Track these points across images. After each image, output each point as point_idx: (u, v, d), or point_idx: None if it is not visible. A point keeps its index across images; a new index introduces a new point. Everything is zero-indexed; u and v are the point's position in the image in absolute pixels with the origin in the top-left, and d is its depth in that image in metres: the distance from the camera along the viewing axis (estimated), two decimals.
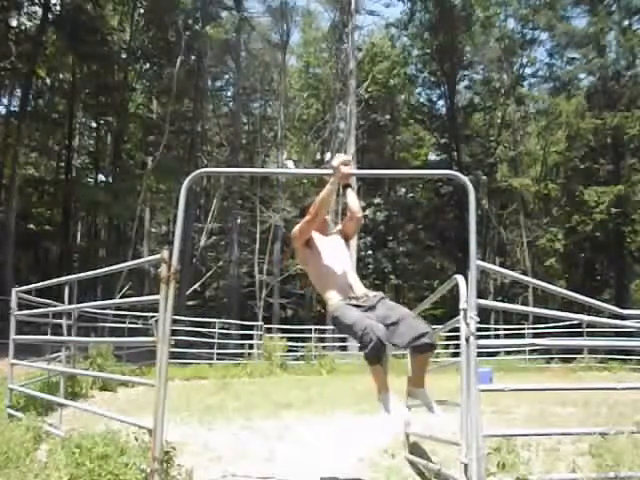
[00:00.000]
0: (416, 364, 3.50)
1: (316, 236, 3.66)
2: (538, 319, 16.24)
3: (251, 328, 16.02)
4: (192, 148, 25.79)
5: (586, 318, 4.09)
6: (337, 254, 3.65)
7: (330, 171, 3.54)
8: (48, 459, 3.49)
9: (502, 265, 25.56)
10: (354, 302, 3.41)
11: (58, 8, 22.67)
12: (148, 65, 27.25)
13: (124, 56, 25.11)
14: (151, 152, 24.94)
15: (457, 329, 3.10)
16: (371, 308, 3.38)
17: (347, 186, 3.75)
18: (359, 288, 3.53)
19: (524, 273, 21.92)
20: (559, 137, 27.47)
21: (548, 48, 28.59)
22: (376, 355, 3.15)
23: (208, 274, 27.84)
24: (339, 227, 3.95)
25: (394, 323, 3.27)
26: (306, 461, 4.39)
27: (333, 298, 3.48)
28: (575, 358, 15.59)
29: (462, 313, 3.04)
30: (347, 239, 3.86)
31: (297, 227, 3.66)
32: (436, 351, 14.02)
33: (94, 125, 28.75)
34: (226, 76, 31.30)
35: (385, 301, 3.46)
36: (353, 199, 3.79)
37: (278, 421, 6.14)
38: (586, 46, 25.35)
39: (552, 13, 25.69)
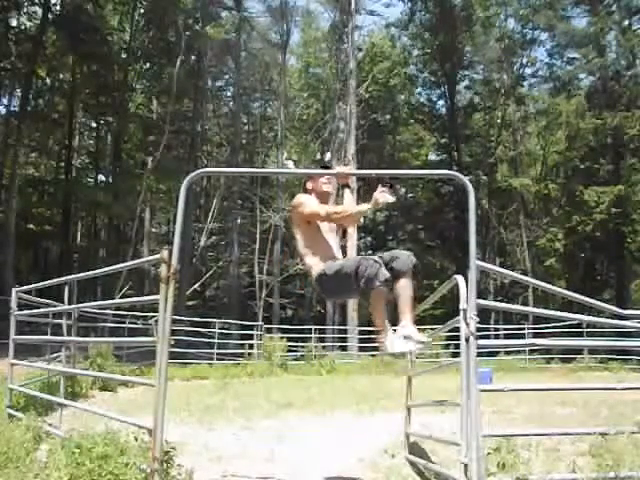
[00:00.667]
0: (400, 291, 3.41)
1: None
2: (538, 319, 16.25)
3: (251, 328, 16.02)
4: (192, 148, 25.80)
5: (586, 318, 4.09)
6: (332, 234, 3.70)
7: (331, 171, 3.54)
8: (48, 459, 3.48)
9: (502, 265, 25.57)
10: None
11: (58, 8, 22.70)
12: (148, 65, 27.26)
13: (124, 56, 25.13)
14: (151, 152, 24.93)
15: (457, 329, 3.10)
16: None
17: (346, 186, 3.75)
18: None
19: (524, 273, 21.92)
20: (559, 137, 27.49)
21: (548, 48, 28.67)
22: (385, 281, 3.21)
23: (208, 274, 27.85)
24: None
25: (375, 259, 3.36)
26: (306, 461, 4.39)
27: (318, 264, 3.53)
28: (575, 358, 15.60)
29: (462, 313, 3.03)
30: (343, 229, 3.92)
31: (305, 207, 3.57)
32: (436, 351, 13.88)
33: (94, 125, 28.79)
34: (226, 76, 31.30)
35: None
36: (350, 201, 3.81)
37: (278, 421, 6.14)
38: (586, 46, 25.36)
39: (552, 13, 25.69)
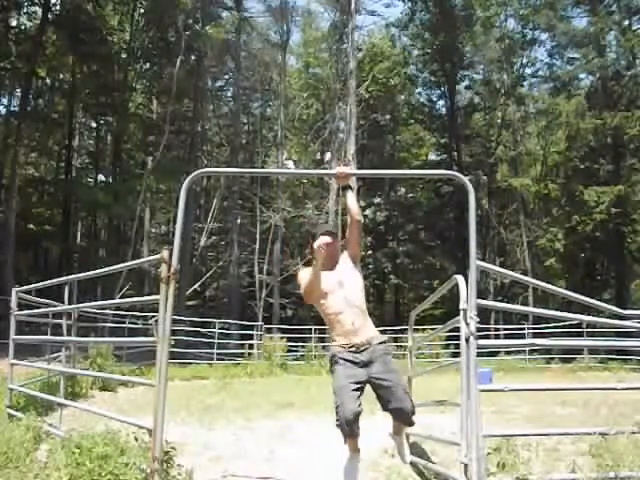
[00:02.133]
0: (395, 425, 3.70)
1: (321, 277, 3.56)
2: (538, 319, 16.25)
3: (251, 328, 16.03)
4: (192, 148, 25.78)
5: (586, 318, 4.09)
6: (344, 289, 3.54)
7: (331, 171, 3.54)
8: (48, 459, 3.49)
9: (502, 265, 25.55)
10: (352, 352, 3.41)
11: (58, 8, 22.67)
12: (148, 65, 27.24)
13: (124, 56, 25.10)
14: (151, 152, 24.93)
15: (457, 329, 3.10)
16: (368, 364, 3.39)
17: (347, 187, 3.72)
18: (364, 332, 3.49)
19: (524, 273, 21.91)
20: (559, 137, 27.48)
21: (548, 48, 28.63)
22: (348, 432, 3.30)
23: (208, 274, 27.84)
24: (344, 247, 3.79)
25: (385, 387, 3.37)
26: (306, 461, 4.39)
27: (335, 341, 3.52)
28: (575, 358, 15.61)
29: (462, 313, 3.03)
30: (354, 258, 3.71)
31: (301, 288, 3.61)
32: (436, 351, 13.86)
33: (94, 125, 28.78)
34: (226, 76, 31.29)
35: (386, 358, 3.47)
36: (352, 201, 3.69)
37: (278, 421, 6.14)
38: (586, 46, 25.35)
39: (552, 13, 25.68)
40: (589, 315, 4.03)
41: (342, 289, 3.53)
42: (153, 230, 32.00)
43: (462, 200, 22.93)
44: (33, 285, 5.89)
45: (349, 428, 3.25)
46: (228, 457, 4.46)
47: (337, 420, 3.28)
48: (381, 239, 30.98)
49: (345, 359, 3.40)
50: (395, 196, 31.68)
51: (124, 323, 15.11)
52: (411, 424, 3.54)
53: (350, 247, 3.73)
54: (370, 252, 30.45)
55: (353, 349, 3.42)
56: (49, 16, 21.52)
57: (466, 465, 2.86)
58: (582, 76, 27.46)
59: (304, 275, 3.59)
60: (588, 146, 25.50)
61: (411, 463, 4.12)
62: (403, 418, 3.47)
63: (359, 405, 3.28)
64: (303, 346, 15.76)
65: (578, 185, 24.73)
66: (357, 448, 3.46)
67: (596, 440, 3.44)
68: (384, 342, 3.58)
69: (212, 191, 30.90)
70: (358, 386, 3.33)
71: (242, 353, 15.18)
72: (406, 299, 32.46)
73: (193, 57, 25.77)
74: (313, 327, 16.98)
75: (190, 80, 25.23)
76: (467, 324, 3.00)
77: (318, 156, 28.31)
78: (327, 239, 3.59)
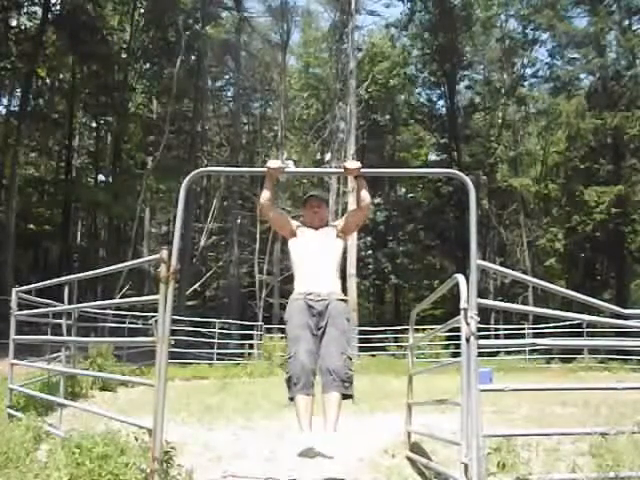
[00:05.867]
0: (324, 396, 3.33)
1: (302, 228, 3.74)
2: (538, 319, 16.26)
3: (251, 328, 16.03)
4: (192, 148, 25.79)
5: (587, 318, 4.08)
6: (319, 243, 3.62)
7: (331, 170, 3.55)
8: (48, 459, 3.48)
9: (502, 265, 25.48)
10: (310, 299, 3.42)
11: (58, 8, 22.68)
12: (148, 65, 27.24)
13: (124, 56, 25.11)
14: (151, 152, 24.94)
15: (457, 329, 3.09)
16: (322, 315, 3.39)
17: (359, 177, 3.66)
18: (326, 285, 3.49)
19: (524, 273, 21.88)
20: (559, 137, 27.45)
21: (549, 48, 28.63)
22: (300, 386, 3.20)
23: (208, 274, 27.85)
24: (339, 222, 3.87)
25: (324, 341, 3.31)
26: (306, 461, 4.38)
27: (295, 288, 3.55)
28: (575, 358, 15.60)
29: (462, 313, 3.03)
30: (346, 233, 3.81)
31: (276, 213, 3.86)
32: (436, 351, 13.84)
33: (94, 125, 28.76)
34: (226, 76, 31.32)
35: (340, 316, 3.40)
36: (366, 193, 3.68)
37: (278, 421, 6.13)
38: (586, 46, 25.33)
39: (552, 13, 25.67)
40: (589, 315, 4.03)
41: (318, 243, 3.62)
42: (153, 230, 31.99)
43: (462, 200, 22.95)
44: (33, 285, 5.87)
45: (300, 382, 3.20)
46: (228, 457, 4.46)
47: (287, 372, 3.24)
48: (381, 239, 30.98)
49: (301, 306, 3.41)
50: (395, 196, 31.68)
51: (124, 323, 15.11)
52: (342, 392, 3.27)
53: (346, 224, 3.80)
54: (370, 252, 30.46)
55: (311, 297, 3.42)
56: (49, 16, 21.52)
57: (466, 465, 2.86)
58: (582, 76, 27.49)
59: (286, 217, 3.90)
60: (588, 146, 25.48)
61: (411, 463, 4.12)
62: (330, 380, 3.25)
63: (314, 362, 3.25)
64: None
65: (578, 185, 24.73)
66: (309, 420, 3.19)
67: (596, 440, 3.44)
68: (345, 301, 3.58)
69: (212, 191, 30.90)
70: (314, 339, 3.32)
71: (242, 353, 15.19)
72: (406, 299, 32.46)
73: (193, 57, 25.79)
74: None
75: (190, 80, 25.25)
76: (467, 324, 3.00)
77: (318, 156, 28.31)
78: (315, 203, 3.78)
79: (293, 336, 3.35)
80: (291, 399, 3.29)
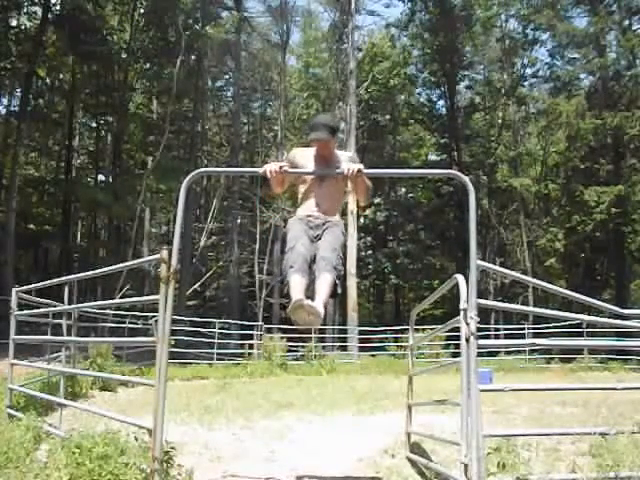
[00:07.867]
0: (316, 284, 3.43)
1: (309, 161, 3.67)
2: (538, 319, 16.24)
3: (251, 328, 16.03)
4: (192, 148, 25.79)
5: (586, 318, 4.08)
6: (324, 185, 3.65)
7: (330, 171, 3.54)
8: (48, 459, 3.48)
9: (502, 265, 25.54)
10: (309, 217, 3.62)
11: (58, 8, 22.66)
12: (148, 65, 27.22)
13: (124, 56, 25.09)
14: (151, 152, 24.93)
15: (457, 329, 3.09)
16: (320, 228, 3.58)
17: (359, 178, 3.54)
18: (326, 212, 3.65)
19: (524, 273, 21.90)
20: (559, 137, 27.46)
21: (549, 48, 28.61)
22: (295, 272, 3.37)
23: (208, 274, 27.84)
24: (344, 166, 3.57)
25: (320, 243, 3.51)
26: (306, 461, 4.38)
27: (298, 211, 3.74)
28: (575, 358, 15.60)
29: (462, 313, 3.03)
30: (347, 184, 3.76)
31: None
32: (436, 351, 13.81)
33: (94, 125, 28.76)
34: (226, 76, 31.30)
35: (335, 227, 3.60)
36: (363, 187, 3.60)
37: (278, 421, 6.13)
38: (586, 46, 25.33)
39: (553, 13, 25.67)
40: (589, 315, 4.03)
41: (323, 180, 3.66)
42: (153, 230, 32.01)
43: (462, 200, 22.94)
44: (33, 285, 5.88)
45: (296, 265, 3.35)
46: (228, 457, 4.46)
47: (284, 262, 3.47)
48: (381, 239, 30.99)
49: (301, 222, 3.62)
50: (395, 196, 31.68)
51: (124, 323, 15.09)
52: (332, 275, 3.35)
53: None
54: (370, 252, 30.46)
55: (311, 217, 3.62)
56: (49, 16, 21.51)
57: (466, 465, 2.86)
58: (582, 76, 27.47)
59: (292, 158, 3.77)
60: (588, 146, 25.48)
61: (411, 463, 4.12)
62: (322, 265, 3.36)
63: (311, 256, 3.44)
64: (303, 346, 15.75)
65: (578, 185, 24.73)
66: (302, 293, 3.27)
67: (596, 440, 3.44)
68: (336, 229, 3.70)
69: (212, 191, 30.91)
70: (310, 243, 3.51)
71: (242, 353, 15.18)
72: (406, 299, 32.48)
73: (193, 57, 25.77)
74: (313, 327, 16.97)
75: (190, 80, 25.24)
76: (467, 324, 3.00)
77: None
78: (321, 136, 3.55)
79: (292, 237, 3.55)
80: (287, 283, 3.46)
